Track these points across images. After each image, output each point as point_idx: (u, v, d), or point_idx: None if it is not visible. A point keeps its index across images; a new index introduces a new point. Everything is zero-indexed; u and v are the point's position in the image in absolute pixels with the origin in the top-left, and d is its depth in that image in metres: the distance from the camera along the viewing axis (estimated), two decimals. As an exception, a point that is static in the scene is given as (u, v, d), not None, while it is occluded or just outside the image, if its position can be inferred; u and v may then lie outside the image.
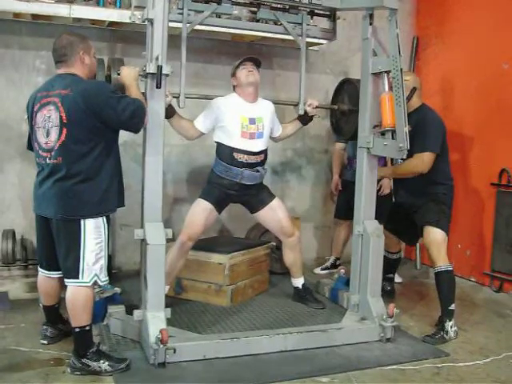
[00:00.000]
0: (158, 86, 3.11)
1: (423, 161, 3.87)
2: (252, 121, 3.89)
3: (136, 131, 3.11)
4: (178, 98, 3.73)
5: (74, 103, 2.91)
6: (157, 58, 3.10)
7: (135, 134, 3.15)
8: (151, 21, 3.16)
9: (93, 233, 3.02)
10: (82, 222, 2.98)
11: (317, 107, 4.18)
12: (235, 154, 3.87)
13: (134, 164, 4.61)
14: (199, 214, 3.92)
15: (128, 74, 3.19)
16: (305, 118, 4.22)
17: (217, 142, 3.96)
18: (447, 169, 4.07)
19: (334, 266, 5.36)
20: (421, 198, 3.98)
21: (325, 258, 5.62)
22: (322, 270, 5.39)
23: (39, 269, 3.35)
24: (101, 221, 3.06)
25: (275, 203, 4.10)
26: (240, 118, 3.86)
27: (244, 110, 3.90)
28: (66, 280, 3.07)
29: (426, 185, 3.96)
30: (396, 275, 5.02)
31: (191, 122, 3.91)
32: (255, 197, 4.07)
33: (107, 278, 3.14)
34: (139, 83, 3.22)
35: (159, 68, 3.08)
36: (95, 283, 3.07)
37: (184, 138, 4.05)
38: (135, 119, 2.99)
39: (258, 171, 3.96)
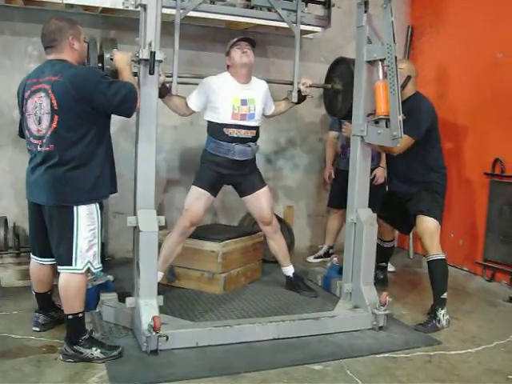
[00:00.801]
0: (151, 73, 3.08)
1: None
2: (244, 102, 3.88)
3: (128, 115, 3.08)
4: (170, 83, 3.70)
5: (64, 90, 2.88)
6: (150, 44, 3.08)
7: (128, 118, 3.12)
8: (144, 6, 3.14)
9: (86, 219, 3.00)
10: (74, 208, 2.97)
11: (310, 86, 4.17)
12: (225, 130, 3.87)
13: (127, 151, 4.58)
14: (197, 200, 3.94)
15: (121, 59, 3.17)
16: (298, 97, 4.20)
17: (208, 121, 3.97)
18: (440, 157, 4.06)
19: (327, 254, 5.37)
20: (414, 187, 3.98)
21: (318, 247, 5.62)
22: (315, 258, 5.40)
23: (31, 256, 3.34)
24: (94, 207, 3.05)
25: (263, 191, 4.12)
26: (232, 99, 3.85)
27: (236, 92, 3.88)
28: (58, 267, 3.06)
29: (418, 173, 3.96)
30: (389, 264, 5.03)
31: (184, 100, 3.90)
32: (247, 179, 4.08)
33: (100, 265, 3.13)
34: (132, 68, 3.20)
35: (152, 54, 3.05)
36: (88, 270, 3.06)
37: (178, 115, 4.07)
38: (127, 103, 2.97)
39: (249, 146, 3.96)
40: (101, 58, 3.33)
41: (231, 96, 3.85)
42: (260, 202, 4.10)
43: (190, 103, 3.89)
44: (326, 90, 4.40)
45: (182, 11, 3.67)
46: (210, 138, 3.97)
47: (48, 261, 3.27)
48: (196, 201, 3.93)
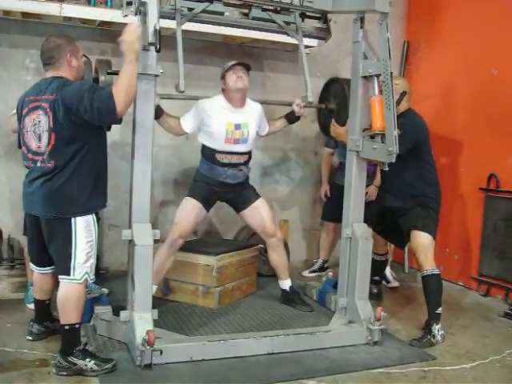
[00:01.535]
0: (158, 50, 3.04)
1: None
2: (237, 126, 3.90)
3: (114, 123, 3.07)
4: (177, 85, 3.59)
5: (58, 106, 2.91)
6: (155, 27, 3.02)
7: (117, 124, 3.11)
8: (144, 4, 3.12)
9: (84, 231, 3.03)
10: (72, 220, 2.99)
11: (304, 106, 4.18)
12: (218, 155, 3.91)
13: (123, 164, 4.59)
14: (188, 211, 3.95)
15: (129, 35, 2.96)
16: (292, 117, 4.24)
17: (202, 143, 3.99)
18: (433, 172, 4.06)
19: (322, 268, 5.37)
20: (408, 202, 3.98)
21: (313, 261, 5.62)
22: (310, 272, 5.39)
23: (32, 265, 3.35)
24: (91, 219, 3.07)
25: (259, 203, 4.12)
26: (226, 124, 3.87)
27: (230, 116, 3.90)
28: (59, 276, 3.08)
29: (412, 187, 3.96)
30: (392, 279, 5.05)
31: (178, 121, 3.92)
32: (240, 195, 4.09)
33: (94, 276, 3.15)
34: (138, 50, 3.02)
35: (157, 32, 3.00)
36: (86, 281, 3.07)
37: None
38: (102, 114, 2.85)
39: (240, 170, 4.00)
40: (96, 80, 3.36)
41: (225, 121, 3.87)
42: (259, 213, 4.09)
43: (183, 125, 3.92)
44: (320, 110, 4.43)
45: (181, 19, 3.65)
46: (203, 159, 4.02)
47: (48, 270, 3.29)
48: (187, 214, 3.94)
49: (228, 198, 4.12)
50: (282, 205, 5.77)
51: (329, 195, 5.30)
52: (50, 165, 2.96)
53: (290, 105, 4.21)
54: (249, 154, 4.05)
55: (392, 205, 4.14)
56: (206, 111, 3.88)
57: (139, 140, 3.25)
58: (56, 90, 2.94)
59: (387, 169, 3.98)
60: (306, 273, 5.39)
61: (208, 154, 3.96)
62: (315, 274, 5.35)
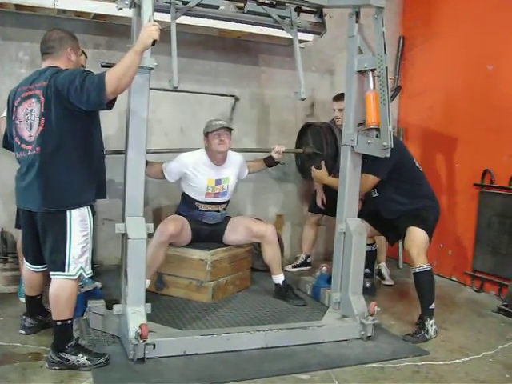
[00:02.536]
0: (153, 43, 2.93)
1: (366, 182, 3.94)
2: (218, 182, 4.18)
3: (101, 108, 2.90)
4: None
5: (50, 91, 2.89)
6: (149, 20, 2.98)
7: (106, 109, 2.95)
8: None
9: (79, 225, 3.01)
10: (67, 213, 2.98)
11: (284, 152, 4.49)
12: (197, 204, 4.20)
13: (117, 157, 4.57)
14: (177, 216, 4.24)
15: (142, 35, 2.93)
16: (270, 162, 4.55)
17: (182, 190, 4.26)
18: (424, 186, 4.08)
19: (306, 263, 5.39)
20: (404, 214, 4.00)
21: (295, 256, 5.62)
22: (294, 267, 5.37)
23: (24, 261, 3.33)
24: (86, 212, 3.06)
25: (234, 219, 4.37)
26: (207, 180, 4.13)
27: (211, 173, 4.16)
28: (51, 273, 3.05)
29: (406, 205, 3.97)
30: (387, 275, 5.05)
31: (160, 167, 4.16)
32: (215, 227, 4.32)
33: (91, 271, 3.14)
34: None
35: None
36: (80, 276, 3.07)
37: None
38: (91, 95, 2.78)
39: (218, 211, 4.28)
40: None
41: (206, 178, 4.13)
42: (239, 224, 4.32)
43: (166, 175, 4.17)
44: (298, 154, 4.75)
45: (176, 12, 3.61)
46: (182, 201, 4.30)
47: (40, 268, 3.27)
48: (175, 220, 4.14)
49: (205, 234, 4.29)
50: (275, 200, 5.76)
51: (325, 203, 5.26)
52: (35, 152, 2.92)
53: (269, 151, 4.51)
54: (227, 202, 4.32)
55: (388, 217, 4.13)
56: (188, 167, 4.11)
57: (133, 133, 3.23)
58: (50, 77, 2.92)
59: (377, 194, 4.05)
60: (289, 267, 5.36)
61: (188, 200, 4.26)
62: (298, 269, 5.35)
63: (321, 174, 4.44)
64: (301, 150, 4.63)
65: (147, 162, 3.76)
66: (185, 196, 4.27)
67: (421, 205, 3.97)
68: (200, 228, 4.25)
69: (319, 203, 5.29)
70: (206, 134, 4.13)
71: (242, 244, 4.46)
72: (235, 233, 4.32)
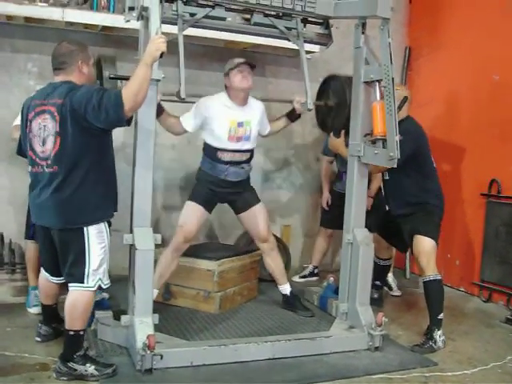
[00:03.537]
0: (161, 55, 2.94)
1: (377, 166, 3.80)
2: (240, 124, 3.91)
3: (121, 125, 2.93)
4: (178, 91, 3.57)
5: (66, 111, 2.89)
6: (157, 32, 2.98)
7: (125, 126, 3.00)
8: (146, 9, 3.13)
9: (96, 238, 3.02)
10: (85, 229, 2.98)
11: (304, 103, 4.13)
12: (219, 153, 3.92)
13: (124, 166, 4.58)
14: (191, 215, 3.97)
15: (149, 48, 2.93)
16: (293, 115, 4.23)
17: (204, 141, 4.01)
18: (434, 180, 4.07)
19: (313, 274, 5.38)
20: (410, 208, 3.98)
21: (303, 266, 5.61)
22: (301, 278, 5.36)
23: (42, 270, 3.35)
24: (103, 226, 3.07)
25: (258, 207, 4.14)
26: (229, 122, 3.87)
27: (233, 114, 3.90)
28: (69, 285, 3.06)
29: (414, 195, 3.97)
30: (395, 286, 5.04)
31: (178, 119, 3.92)
32: (241, 197, 4.10)
33: (109, 281, 3.14)
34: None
35: None
36: (99, 287, 3.08)
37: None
38: (110, 113, 2.81)
39: (242, 168, 4.01)
40: (100, 76, 3.34)
41: (228, 118, 3.87)
42: (256, 218, 4.11)
43: (184, 124, 3.91)
44: (319, 107, 4.41)
45: (183, 25, 3.64)
46: (205, 157, 4.03)
47: (58, 279, 3.30)
48: (190, 217, 3.96)
49: (229, 199, 4.13)
50: (283, 210, 5.76)
51: (330, 203, 5.27)
52: (53, 170, 2.93)
53: (291, 102, 4.20)
54: (251, 151, 4.05)
55: (394, 212, 4.14)
56: (209, 109, 3.87)
57: (141, 144, 3.25)
58: (65, 95, 2.92)
59: (387, 177, 4.02)
60: (296, 278, 5.35)
61: (210, 151, 3.96)
62: (305, 279, 5.34)
63: (338, 142, 4.18)
64: (321, 102, 4.31)
65: (163, 111, 3.76)
66: (206, 149, 4.00)
67: (426, 201, 3.97)
68: (221, 191, 4.02)
69: (324, 204, 5.30)
70: (227, 73, 3.92)
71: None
72: (248, 220, 4.12)
